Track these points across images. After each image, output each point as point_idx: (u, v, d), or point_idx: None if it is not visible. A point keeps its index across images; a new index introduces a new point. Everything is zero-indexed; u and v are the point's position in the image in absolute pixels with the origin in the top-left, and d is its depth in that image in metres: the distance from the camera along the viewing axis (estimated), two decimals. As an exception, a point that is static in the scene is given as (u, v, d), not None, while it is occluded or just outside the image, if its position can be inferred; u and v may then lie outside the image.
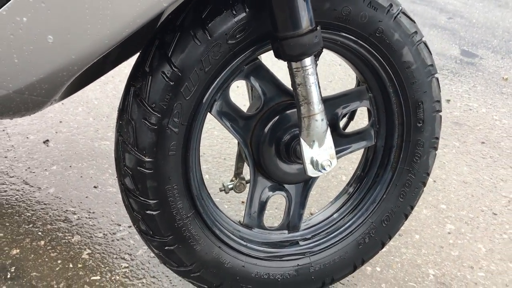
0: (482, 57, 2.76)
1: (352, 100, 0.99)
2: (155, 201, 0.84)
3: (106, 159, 1.36)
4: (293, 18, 0.75)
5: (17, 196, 1.17)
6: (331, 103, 0.97)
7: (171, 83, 0.79)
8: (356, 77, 1.01)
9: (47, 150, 1.35)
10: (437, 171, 1.65)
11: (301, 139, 0.85)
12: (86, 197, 1.22)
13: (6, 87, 0.77)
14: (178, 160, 0.84)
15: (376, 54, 0.91)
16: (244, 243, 0.95)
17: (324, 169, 0.86)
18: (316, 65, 0.90)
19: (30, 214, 1.13)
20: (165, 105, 0.80)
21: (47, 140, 1.38)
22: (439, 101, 0.99)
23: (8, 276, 0.98)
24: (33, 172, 1.26)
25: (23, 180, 1.22)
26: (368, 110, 1.02)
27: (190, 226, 0.88)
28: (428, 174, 1.04)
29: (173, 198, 0.85)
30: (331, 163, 0.86)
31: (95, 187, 1.25)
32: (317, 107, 0.82)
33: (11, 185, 1.20)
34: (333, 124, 0.98)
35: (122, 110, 0.83)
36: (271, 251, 0.98)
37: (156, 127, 0.80)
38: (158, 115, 0.80)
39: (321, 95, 0.83)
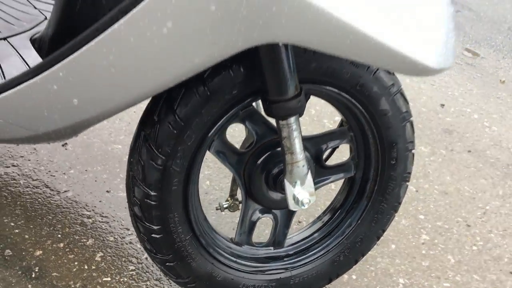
0: (484, 56, 2.84)
1: (335, 138, 1.13)
2: (158, 227, 1.00)
3: (118, 164, 1.51)
4: (281, 86, 0.88)
5: (39, 200, 1.33)
6: (316, 141, 1.11)
7: (175, 132, 0.93)
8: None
9: (65, 153, 1.50)
10: (421, 181, 1.79)
11: (285, 180, 0.99)
12: (100, 201, 1.37)
13: (36, 130, 0.92)
14: (179, 193, 0.99)
15: (356, 103, 1.04)
16: (234, 259, 1.11)
17: (304, 206, 1.00)
18: (304, 110, 1.03)
19: (51, 217, 1.29)
20: (169, 149, 0.94)
21: (66, 143, 1.53)
22: (412, 142, 1.12)
23: (33, 276, 1.15)
24: (53, 176, 1.41)
25: (45, 184, 1.38)
26: (350, 146, 1.15)
27: (188, 247, 1.04)
28: (400, 203, 1.19)
29: (174, 224, 1.01)
30: (310, 201, 1.01)
31: (107, 191, 1.41)
32: (299, 156, 0.96)
33: (34, 188, 1.36)
34: (317, 157, 1.12)
35: (133, 150, 0.97)
36: (257, 265, 1.14)
37: (161, 167, 0.95)
38: (163, 158, 0.94)
39: (302, 146, 0.96)
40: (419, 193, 1.73)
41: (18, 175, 1.39)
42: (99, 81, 0.78)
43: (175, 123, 0.92)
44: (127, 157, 1.54)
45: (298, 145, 0.95)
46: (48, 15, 1.18)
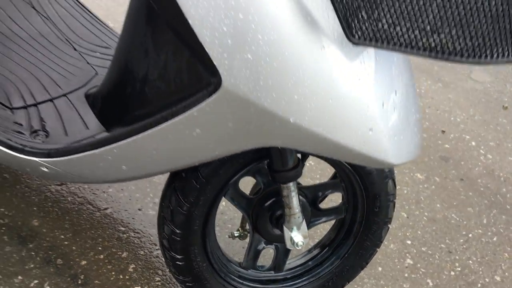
0: (491, 80, 3.00)
1: (329, 188, 1.36)
2: (182, 256, 1.26)
3: (149, 184, 1.77)
4: (282, 161, 1.12)
5: (84, 215, 1.61)
6: (314, 189, 1.35)
7: (198, 186, 1.18)
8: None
9: (105, 173, 1.77)
10: (412, 207, 2.02)
11: (284, 226, 1.24)
12: (133, 218, 1.64)
13: (90, 180, 1.18)
14: (199, 231, 1.24)
15: (346, 164, 1.27)
16: (241, 281, 1.37)
17: (298, 246, 1.25)
18: (304, 165, 1.27)
19: (93, 232, 1.57)
20: (193, 199, 1.19)
21: (105, 163, 1.79)
22: (393, 194, 1.35)
23: (79, 283, 1.43)
24: (95, 194, 1.68)
25: (88, 201, 1.65)
26: (341, 194, 1.39)
27: (204, 272, 1.30)
28: (381, 242, 1.42)
29: (194, 255, 1.26)
30: (303, 242, 1.25)
31: (139, 209, 1.68)
32: (296, 210, 1.21)
33: (79, 205, 1.63)
34: (313, 201, 1.36)
35: (165, 196, 1.23)
36: (260, 287, 1.40)
37: (186, 212, 1.20)
38: (188, 205, 1.19)
39: (299, 201, 1.21)
40: (409, 219, 1.95)
41: (67, 192, 1.66)
42: (143, 158, 1.03)
43: (199, 180, 1.17)
44: (155, 178, 1.81)
45: (295, 202, 1.19)
46: (99, 70, 1.43)
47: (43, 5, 1.50)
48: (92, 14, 1.59)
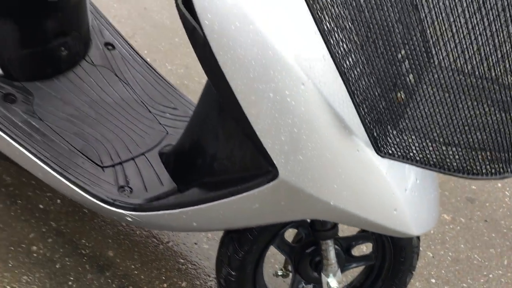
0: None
1: (361, 239, 1.60)
2: (235, 293, 1.52)
3: (203, 220, 2.04)
4: (323, 223, 1.37)
5: (150, 248, 1.89)
6: (348, 239, 1.59)
7: (252, 238, 1.43)
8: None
9: (166, 209, 2.04)
10: (438, 247, 2.21)
11: (322, 272, 1.48)
12: (190, 251, 1.91)
13: (161, 229, 1.45)
14: (251, 273, 1.50)
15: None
16: (283, 315, 1.62)
17: (333, 290, 1.49)
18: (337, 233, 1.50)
19: (158, 263, 1.85)
20: (247, 248, 1.44)
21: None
22: (417, 247, 1.57)
23: (146, 308, 1.71)
24: (159, 228, 1.96)
25: (153, 235, 1.94)
26: (372, 244, 1.62)
27: (253, 307, 1.55)
28: (406, 286, 1.65)
29: (245, 292, 1.52)
30: (338, 287, 1.49)
31: (195, 243, 1.95)
32: (333, 261, 1.45)
33: (146, 238, 1.92)
34: (347, 249, 1.60)
35: (223, 244, 1.48)
36: (298, 320, 1.65)
37: (241, 258, 1.46)
38: (243, 253, 1.45)
39: (336, 254, 1.45)
40: (434, 259, 2.15)
41: (135, 227, 1.95)
42: (211, 219, 1.30)
43: (253, 233, 1.43)
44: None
45: (332, 254, 1.43)
46: (169, 129, 1.70)
47: (123, 71, 1.79)
48: (161, 76, 1.88)
